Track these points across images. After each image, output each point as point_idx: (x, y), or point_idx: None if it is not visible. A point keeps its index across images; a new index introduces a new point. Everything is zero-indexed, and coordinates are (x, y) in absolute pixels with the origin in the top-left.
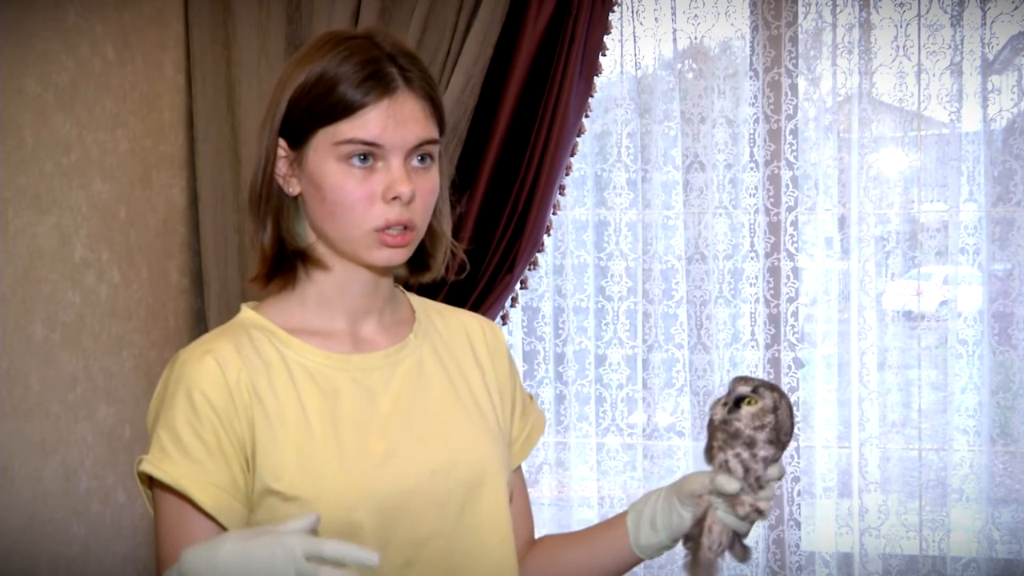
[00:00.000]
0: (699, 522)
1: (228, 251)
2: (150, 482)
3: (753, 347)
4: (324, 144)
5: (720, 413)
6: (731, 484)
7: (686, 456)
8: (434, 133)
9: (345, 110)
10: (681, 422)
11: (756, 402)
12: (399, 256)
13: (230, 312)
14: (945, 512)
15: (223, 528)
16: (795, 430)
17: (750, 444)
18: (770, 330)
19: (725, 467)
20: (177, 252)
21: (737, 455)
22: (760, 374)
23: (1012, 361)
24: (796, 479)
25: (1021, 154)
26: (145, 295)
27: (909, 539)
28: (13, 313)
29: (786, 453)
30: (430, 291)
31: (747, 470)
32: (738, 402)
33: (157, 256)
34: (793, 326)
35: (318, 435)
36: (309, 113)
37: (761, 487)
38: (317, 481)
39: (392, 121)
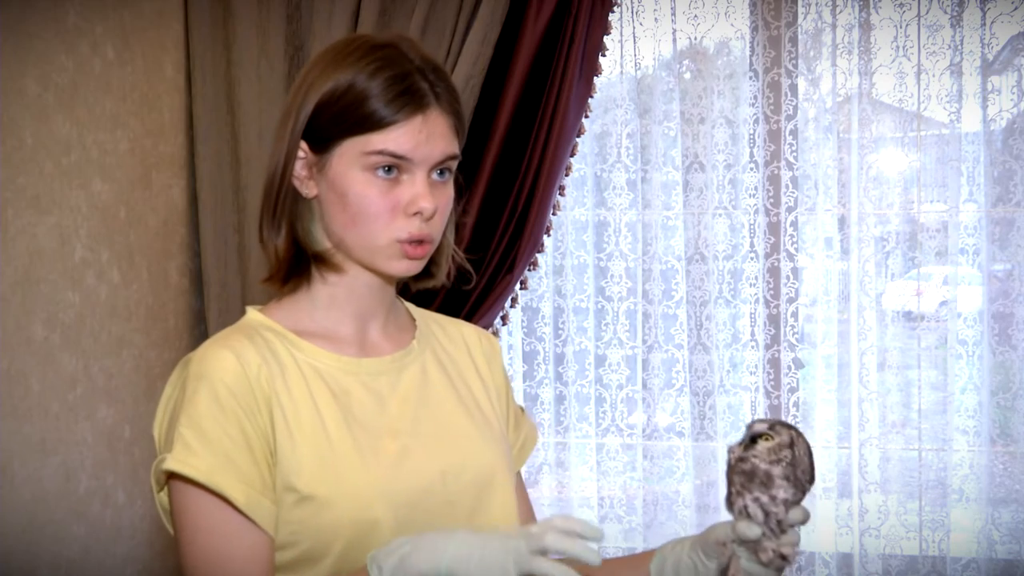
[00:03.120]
0: (723, 572)
1: (228, 251)
2: (167, 480)
3: (753, 347)
4: (351, 153)
5: (737, 452)
6: (752, 530)
7: (686, 456)
8: (457, 149)
9: (377, 124)
10: (681, 422)
11: (773, 438)
12: (415, 267)
13: (230, 312)
14: (945, 512)
15: (255, 524)
16: (815, 472)
17: (767, 484)
18: (770, 330)
19: (744, 512)
20: (177, 253)
21: (756, 499)
22: (760, 374)
23: (1012, 361)
24: None
25: (1021, 154)
26: (145, 295)
27: (909, 539)
28: (13, 313)
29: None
30: (429, 294)
31: (767, 514)
32: (754, 439)
33: (157, 256)
34: (793, 326)
35: (333, 435)
36: (338, 122)
37: (783, 531)
38: (335, 480)
39: (423, 137)
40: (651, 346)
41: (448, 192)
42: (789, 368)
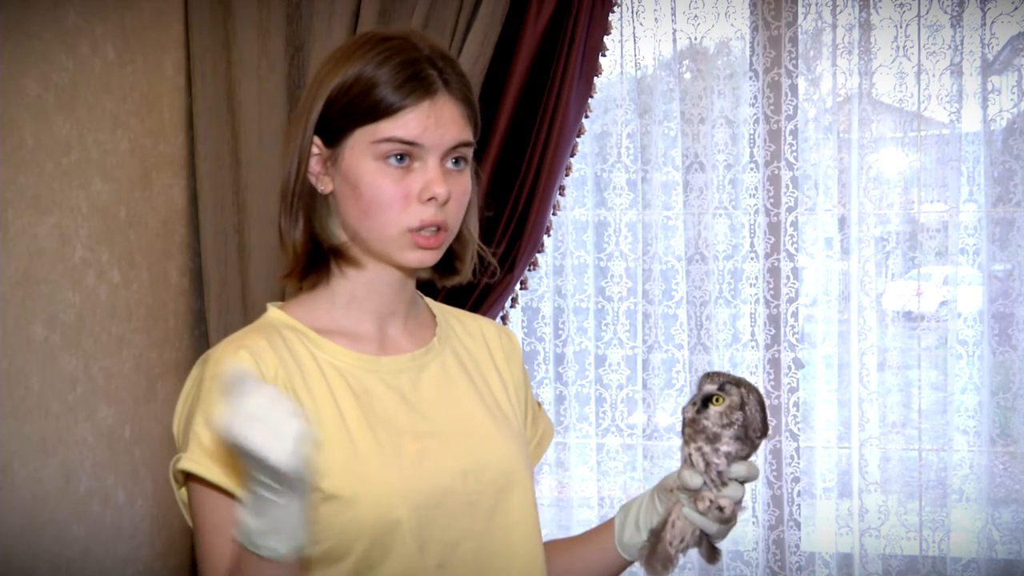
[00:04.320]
0: (666, 517)
1: (228, 251)
2: (185, 480)
3: (753, 347)
4: (362, 142)
5: (690, 412)
6: (693, 479)
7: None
8: (470, 136)
9: (386, 110)
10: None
11: (723, 400)
12: (430, 258)
13: (230, 312)
14: (945, 513)
15: None
16: (768, 424)
17: (713, 440)
18: (770, 331)
19: (689, 462)
20: (177, 253)
21: (699, 448)
22: (760, 374)
23: (1012, 362)
24: (796, 479)
25: (1021, 154)
26: (145, 295)
27: (909, 540)
28: (13, 313)
29: (786, 452)
30: (430, 290)
31: (708, 464)
32: (706, 401)
33: (157, 257)
34: (793, 326)
35: (356, 435)
36: (347, 112)
37: (724, 483)
38: (359, 480)
39: (432, 122)
40: (651, 346)
41: (464, 182)
42: (789, 368)
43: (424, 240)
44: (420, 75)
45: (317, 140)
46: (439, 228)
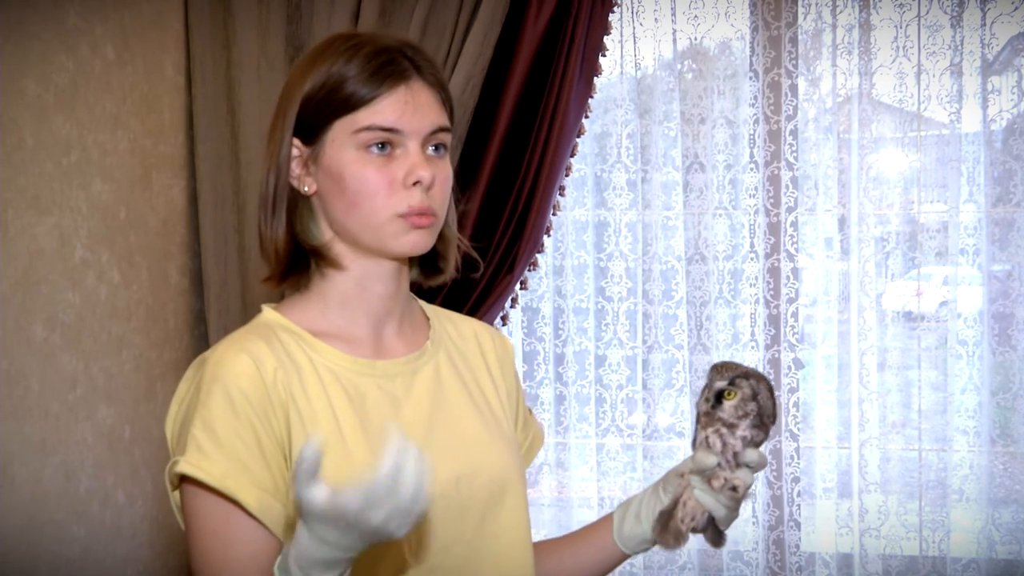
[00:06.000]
0: (676, 499)
1: (228, 252)
2: (180, 482)
3: (753, 348)
4: (342, 135)
5: (704, 407)
6: (709, 458)
7: (686, 456)
8: (447, 121)
9: (361, 99)
10: (681, 423)
11: (735, 394)
12: (423, 241)
13: (230, 312)
14: (945, 513)
15: (267, 529)
16: (778, 409)
17: (731, 427)
18: (770, 331)
19: (705, 444)
20: (177, 253)
21: (716, 431)
22: None
23: (1012, 362)
24: (796, 480)
25: (1021, 155)
26: (145, 296)
27: (909, 540)
28: (13, 313)
29: (786, 452)
30: (430, 290)
31: (724, 444)
32: (719, 396)
33: (157, 257)
34: (793, 327)
35: (349, 440)
36: (324, 106)
37: (738, 465)
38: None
39: (409, 107)
40: (651, 346)
41: (446, 168)
42: (789, 368)
43: (417, 219)
44: (391, 63)
45: (296, 141)
46: (426, 214)
